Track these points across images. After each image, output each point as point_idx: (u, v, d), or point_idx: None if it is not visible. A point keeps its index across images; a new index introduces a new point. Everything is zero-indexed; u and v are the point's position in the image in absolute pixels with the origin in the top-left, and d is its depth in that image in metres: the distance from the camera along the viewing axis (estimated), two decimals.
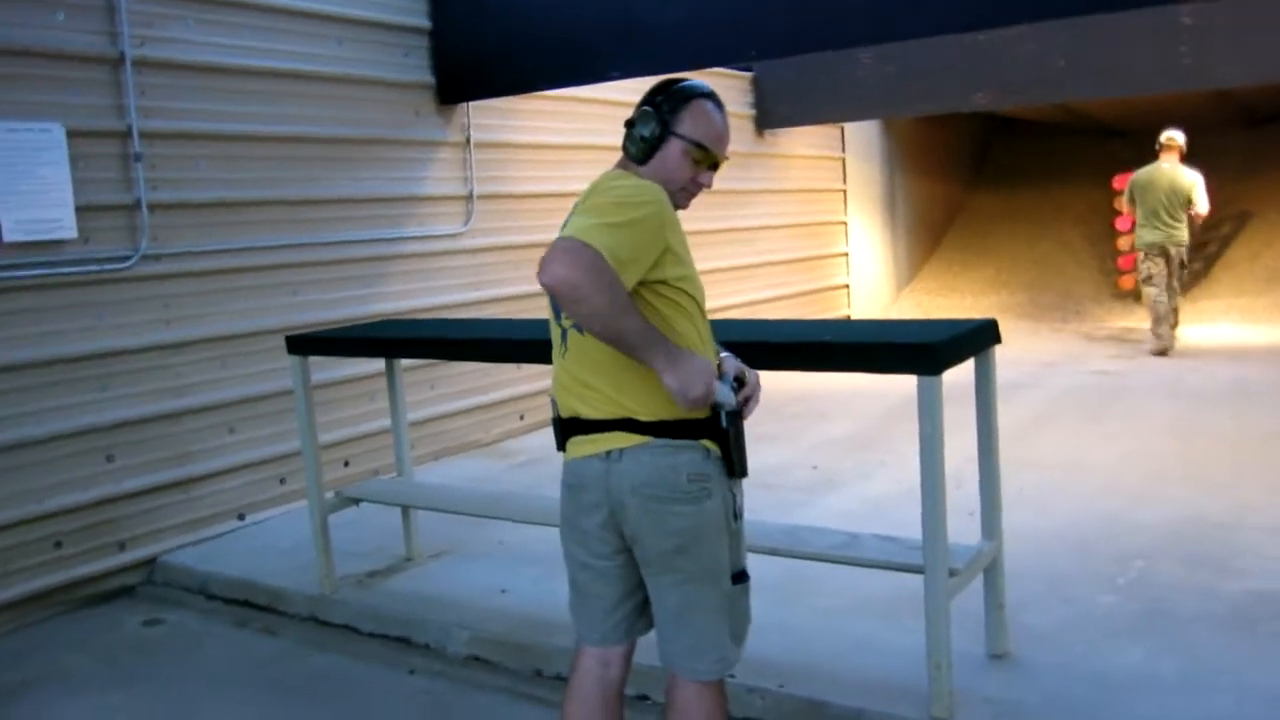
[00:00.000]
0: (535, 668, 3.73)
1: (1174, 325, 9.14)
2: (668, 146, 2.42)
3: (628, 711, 2.66)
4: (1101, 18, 7.87)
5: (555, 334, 2.46)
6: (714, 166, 2.48)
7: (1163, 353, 8.83)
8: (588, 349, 2.34)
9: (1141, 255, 9.14)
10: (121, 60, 4.83)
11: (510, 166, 6.97)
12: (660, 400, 2.29)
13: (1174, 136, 9.14)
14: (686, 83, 2.47)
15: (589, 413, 2.37)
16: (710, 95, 2.49)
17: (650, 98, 2.45)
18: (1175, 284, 9.13)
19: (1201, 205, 8.98)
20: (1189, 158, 9.22)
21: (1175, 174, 9.03)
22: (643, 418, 2.31)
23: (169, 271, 5.07)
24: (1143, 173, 9.20)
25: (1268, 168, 11.74)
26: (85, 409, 4.74)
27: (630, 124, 2.46)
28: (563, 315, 2.38)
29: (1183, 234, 9.04)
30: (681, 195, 2.46)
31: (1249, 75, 8.18)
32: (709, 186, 2.52)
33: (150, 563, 4.96)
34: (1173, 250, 9.04)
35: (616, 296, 2.13)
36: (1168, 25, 7.95)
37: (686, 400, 2.22)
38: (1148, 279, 9.03)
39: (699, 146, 2.43)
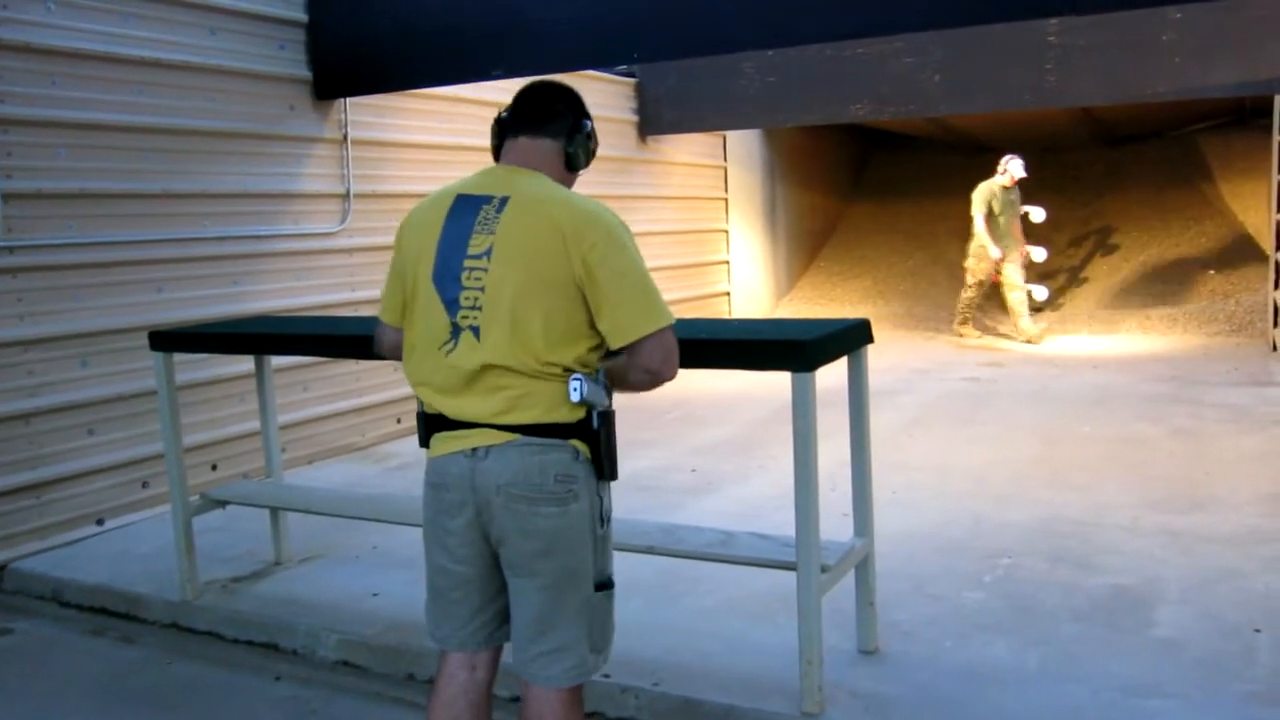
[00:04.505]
0: (407, 671, 3.65)
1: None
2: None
3: (499, 713, 2.62)
4: (974, 37, 8.16)
5: (439, 329, 2.30)
6: None
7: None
8: (486, 355, 2.25)
9: None
10: None
11: (388, 165, 6.85)
12: (539, 409, 2.25)
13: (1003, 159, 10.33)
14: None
15: (462, 412, 2.30)
16: None
17: (549, 109, 2.45)
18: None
19: (975, 219, 10.11)
20: (1055, 175, 9.73)
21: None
22: (512, 420, 2.26)
23: (24, 264, 4.83)
24: None
25: (1127, 185, 12.30)
26: None
27: (589, 134, 2.48)
28: (460, 313, 2.27)
29: (970, 245, 10.26)
30: None
31: (1108, 94, 8.55)
32: None
33: None
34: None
35: None
36: (1034, 44, 8.27)
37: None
38: None
39: None
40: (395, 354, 2.53)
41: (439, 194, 2.41)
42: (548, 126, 2.42)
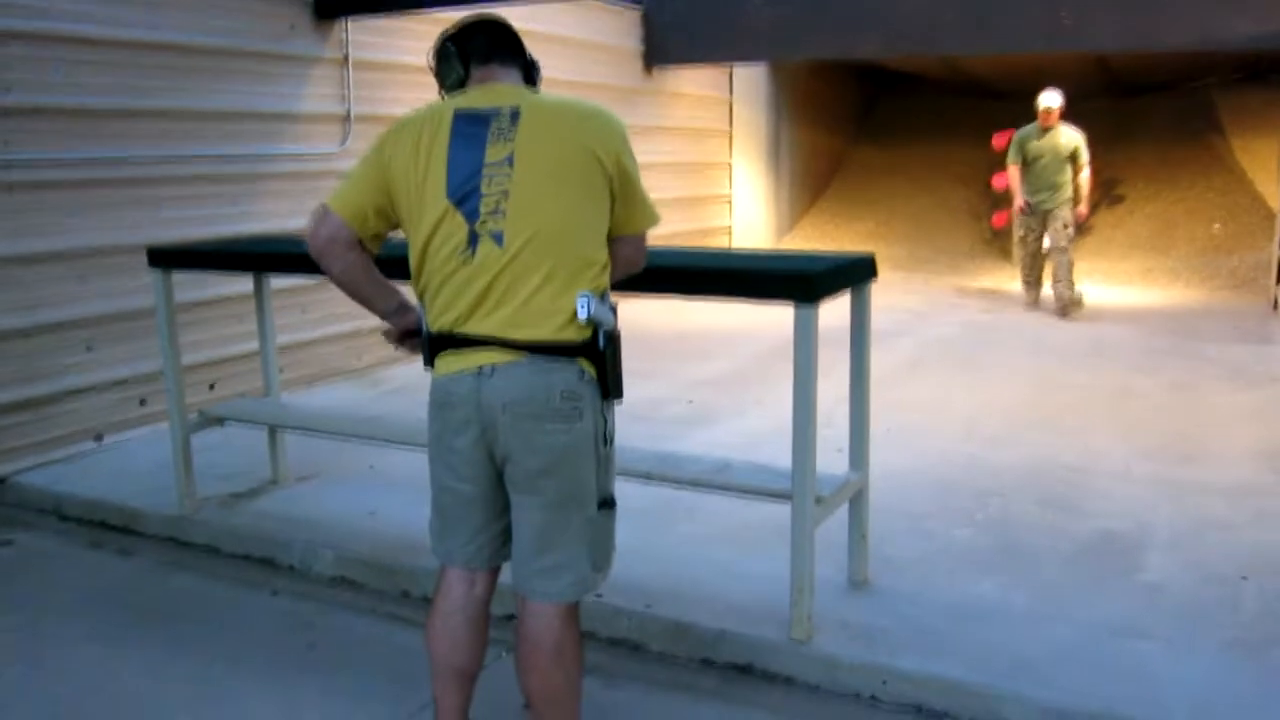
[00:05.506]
0: (402, 589, 3.69)
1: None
2: None
3: (496, 631, 2.65)
4: None
5: (457, 240, 2.27)
6: None
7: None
8: (508, 259, 2.24)
9: None
10: None
11: (390, 87, 6.77)
12: (554, 324, 2.26)
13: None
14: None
15: (471, 328, 2.29)
16: None
17: (516, 41, 2.51)
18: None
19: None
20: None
21: None
22: (521, 337, 2.26)
23: (21, 180, 4.80)
24: None
25: (1135, 137, 12.18)
26: None
27: (534, 64, 2.54)
28: (479, 220, 2.25)
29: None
30: None
31: (1124, 41, 8.43)
32: None
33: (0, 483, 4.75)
34: None
35: None
36: None
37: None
38: None
39: None
40: (329, 246, 2.39)
41: (427, 114, 2.36)
42: (515, 59, 2.49)
